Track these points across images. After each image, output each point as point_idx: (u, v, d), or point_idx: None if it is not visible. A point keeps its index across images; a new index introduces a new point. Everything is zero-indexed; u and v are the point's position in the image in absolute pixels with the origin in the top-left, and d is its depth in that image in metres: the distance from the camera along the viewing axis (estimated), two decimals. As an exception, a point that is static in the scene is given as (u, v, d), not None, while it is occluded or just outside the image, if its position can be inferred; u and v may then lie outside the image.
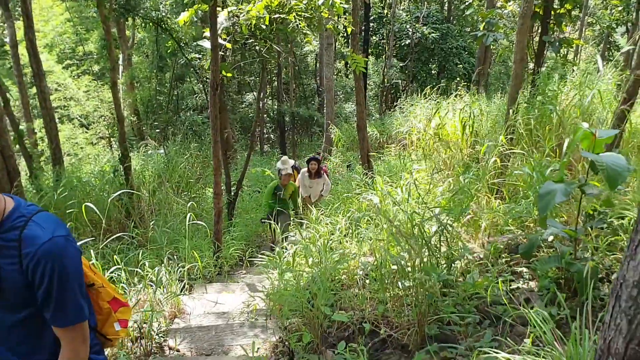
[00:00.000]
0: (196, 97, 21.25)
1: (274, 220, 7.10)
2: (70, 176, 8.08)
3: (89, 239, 5.41)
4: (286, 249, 5.97)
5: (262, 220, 7.96)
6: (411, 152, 9.22)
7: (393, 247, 4.57)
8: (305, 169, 8.99)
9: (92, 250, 5.04)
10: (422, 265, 3.70)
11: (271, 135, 27.75)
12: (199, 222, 6.63)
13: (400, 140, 9.96)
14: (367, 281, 4.36)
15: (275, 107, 25.70)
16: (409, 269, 3.78)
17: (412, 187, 5.92)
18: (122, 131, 7.73)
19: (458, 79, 22.27)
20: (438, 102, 10.50)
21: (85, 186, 7.82)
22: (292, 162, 9.54)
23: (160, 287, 4.87)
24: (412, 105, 12.16)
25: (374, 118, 21.89)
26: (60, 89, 16.50)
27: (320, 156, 9.75)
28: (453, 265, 4.05)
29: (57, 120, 9.38)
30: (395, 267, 3.95)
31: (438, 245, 4.18)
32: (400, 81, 23.41)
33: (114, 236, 5.62)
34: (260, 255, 5.92)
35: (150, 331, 4.19)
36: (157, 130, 15.70)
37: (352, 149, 15.77)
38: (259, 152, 23.42)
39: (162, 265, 5.29)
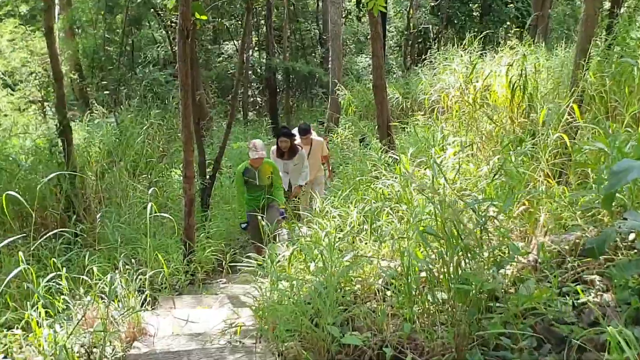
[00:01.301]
0: (158, 47, 21.19)
1: (255, 228, 7.17)
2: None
3: (15, 237, 5.36)
4: (280, 249, 6.02)
5: (243, 226, 7.88)
6: (445, 122, 9.12)
7: (421, 249, 4.57)
8: (274, 147, 9.24)
9: (21, 252, 4.95)
10: (460, 271, 3.72)
11: (258, 99, 27.75)
12: (163, 214, 6.62)
13: (431, 106, 9.91)
14: (388, 292, 4.40)
15: (264, 60, 25.62)
16: (442, 276, 3.80)
17: (446, 169, 5.93)
18: (61, 93, 7.66)
19: (508, 23, 22.12)
20: (481, 54, 10.44)
21: (12, 166, 7.78)
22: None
23: (114, 301, 4.88)
24: (446, 58, 12.00)
25: (395, 76, 21.98)
26: (-26, 37, 16.34)
27: (309, 128, 9.75)
28: (501, 271, 4.05)
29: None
30: (424, 274, 3.99)
31: (480, 246, 4.13)
32: (430, 26, 23.24)
33: (50, 233, 5.64)
34: (245, 259, 5.92)
35: (103, 358, 4.21)
36: (106, 92, 15.38)
37: (367, 118, 15.76)
38: (242, 120, 23.41)
39: (117, 271, 5.30)
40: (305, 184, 8.96)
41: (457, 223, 3.92)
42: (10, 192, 5.27)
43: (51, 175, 6.20)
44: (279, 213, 7.72)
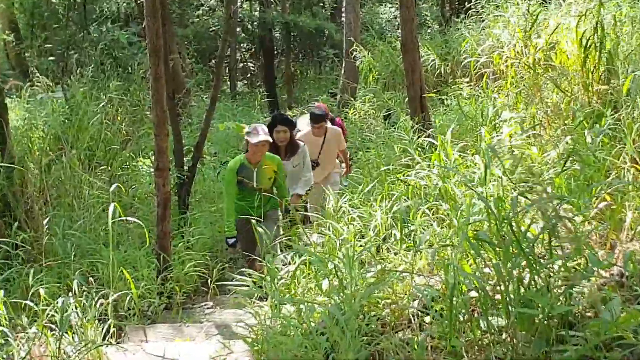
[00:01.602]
0: (117, -1, 21.19)
1: (247, 237, 7.34)
2: None
3: None
4: (283, 262, 6.07)
5: (229, 242, 7.60)
6: (497, 92, 9.11)
7: (469, 260, 4.59)
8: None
9: None
10: (522, 290, 3.70)
11: (249, 64, 27.61)
12: (129, 218, 6.64)
13: (478, 71, 9.92)
14: (427, 319, 4.35)
15: (256, 14, 25.60)
16: (499, 296, 3.77)
17: (502, 155, 5.82)
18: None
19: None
20: (544, 1, 10.41)
21: None
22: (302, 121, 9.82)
23: (67, 333, 4.87)
24: (497, 7, 11.95)
25: (430, 31, 21.67)
26: None
27: (323, 109, 9.75)
28: (576, 289, 3.97)
29: None
30: (475, 293, 3.98)
31: (550, 256, 4.09)
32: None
33: None
34: (237, 276, 5.93)
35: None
36: (51, 58, 15.18)
37: (394, 87, 15.72)
38: (228, 93, 23.53)
39: (70, 294, 5.32)
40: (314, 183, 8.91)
41: (517, 226, 3.91)
42: None
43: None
44: (273, 222, 7.59)
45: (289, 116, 9.00)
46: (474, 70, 10.02)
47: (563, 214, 4.32)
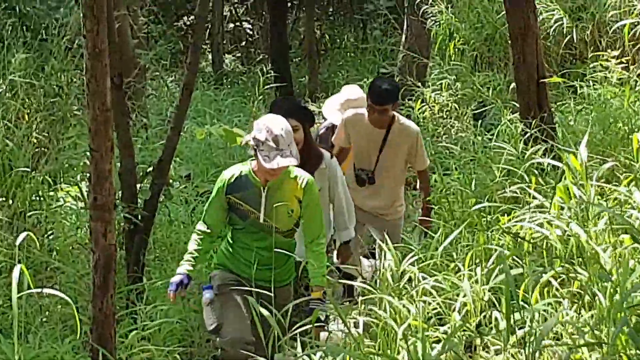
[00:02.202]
0: None
1: (237, 311, 5.21)
2: None
3: None
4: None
5: (172, 286, 5.45)
6: None
7: None
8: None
9: None
10: None
11: (244, 26, 24.16)
12: (48, 290, 5.30)
13: (634, 40, 8.89)
14: None
15: None
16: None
17: None
18: None
19: None
20: None
21: None
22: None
23: None
24: None
25: None
26: None
27: (397, 89, 7.13)
28: None
29: None
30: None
31: None
32: None
33: None
34: None
35: None
36: None
37: (490, 65, 12.82)
38: (209, 74, 19.96)
39: None
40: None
41: None
42: None
43: None
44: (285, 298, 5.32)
45: (303, 104, 6.61)
46: (628, 39, 8.79)
47: None
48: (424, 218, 6.75)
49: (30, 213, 7.41)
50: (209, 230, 5.34)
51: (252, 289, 4.97)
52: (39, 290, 5.03)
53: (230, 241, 5.40)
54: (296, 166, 5.42)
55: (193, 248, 5.34)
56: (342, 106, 7.32)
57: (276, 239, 5.10)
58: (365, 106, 6.69)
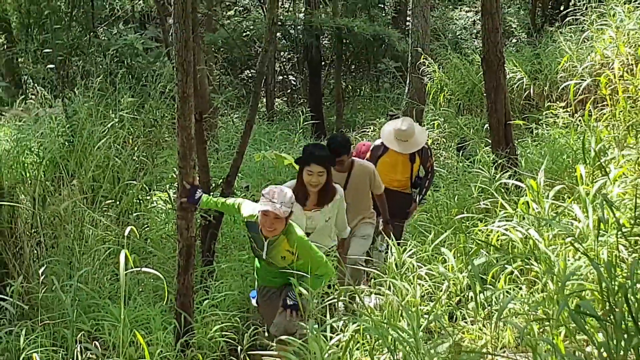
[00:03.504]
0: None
1: (265, 308, 6.14)
2: None
3: None
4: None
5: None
6: (602, 119, 8.78)
7: (569, 337, 4.33)
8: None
9: None
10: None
11: (290, 78, 25.57)
12: (145, 269, 6.02)
13: (578, 94, 9.59)
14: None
15: (301, 16, 23.10)
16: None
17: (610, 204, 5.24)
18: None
19: None
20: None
21: None
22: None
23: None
24: (601, 15, 11.29)
25: (517, 42, 20.32)
26: None
27: (347, 143, 7.67)
28: None
29: None
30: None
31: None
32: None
33: None
34: (273, 344, 5.52)
35: None
36: (50, 67, 13.81)
37: (470, 111, 14.40)
38: (264, 113, 21.45)
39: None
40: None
41: (636, 299, 3.71)
42: None
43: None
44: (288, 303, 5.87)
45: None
46: (573, 93, 9.61)
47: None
48: (383, 227, 7.68)
49: (133, 212, 8.47)
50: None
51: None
52: (139, 268, 5.94)
53: (256, 265, 6.11)
54: (318, 201, 6.55)
55: (228, 200, 6.02)
56: (391, 134, 7.84)
57: (275, 268, 5.79)
58: (413, 136, 7.71)
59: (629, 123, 7.79)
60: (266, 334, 6.19)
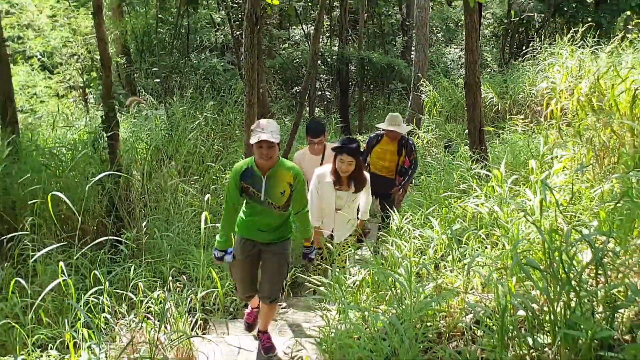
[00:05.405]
0: (216, 31, 21.52)
1: (244, 266, 5.65)
2: (26, 145, 7.99)
3: (57, 245, 5.45)
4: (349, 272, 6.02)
5: (216, 254, 5.62)
6: (550, 128, 9.07)
7: (519, 282, 4.52)
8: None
9: (62, 263, 5.04)
10: (566, 312, 3.65)
11: (326, 93, 27.69)
12: (218, 225, 6.30)
13: (533, 110, 9.85)
14: (479, 332, 4.31)
15: (335, 49, 25.58)
16: (546, 317, 3.74)
17: (552, 188, 5.66)
18: (108, 81, 7.81)
19: (628, 12, 21.47)
20: (595, 50, 10.35)
21: (53, 162, 7.84)
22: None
23: (163, 323, 4.90)
24: (552, 53, 12.05)
25: (490, 71, 21.74)
26: (13, 10, 15.85)
27: (323, 127, 7.95)
28: (617, 315, 3.89)
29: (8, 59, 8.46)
30: (523, 312, 3.94)
31: (592, 283, 4.08)
32: (535, 14, 22.72)
33: (96, 242, 5.70)
34: (311, 279, 5.92)
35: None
36: (156, 80, 15.00)
37: (455, 120, 15.72)
38: (307, 117, 23.04)
39: (165, 289, 5.42)
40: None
41: (568, 257, 3.85)
42: (55, 193, 5.39)
43: (101, 175, 6.09)
44: (276, 262, 5.55)
45: (357, 143, 6.67)
46: (530, 109, 10.14)
47: (608, 247, 4.31)
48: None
49: (212, 185, 9.14)
50: (233, 208, 5.42)
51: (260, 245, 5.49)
52: (214, 224, 6.53)
53: (243, 216, 5.49)
54: (355, 187, 6.69)
55: (226, 224, 5.50)
56: (388, 121, 8.21)
57: (273, 212, 5.35)
58: (400, 124, 8.18)
59: (566, 130, 8.12)
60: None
